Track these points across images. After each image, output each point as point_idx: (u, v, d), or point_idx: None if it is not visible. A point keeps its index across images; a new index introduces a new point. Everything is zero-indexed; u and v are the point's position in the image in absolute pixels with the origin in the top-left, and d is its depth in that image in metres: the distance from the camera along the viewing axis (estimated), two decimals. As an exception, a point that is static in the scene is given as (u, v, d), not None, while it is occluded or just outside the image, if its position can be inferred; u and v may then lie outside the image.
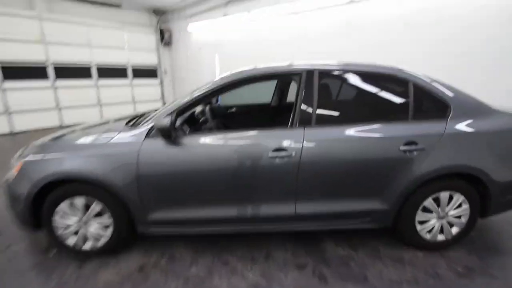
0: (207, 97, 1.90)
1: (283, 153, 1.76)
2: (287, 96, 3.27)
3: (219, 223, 1.94)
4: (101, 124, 2.49)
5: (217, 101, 3.67)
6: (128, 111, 8.61)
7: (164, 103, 9.68)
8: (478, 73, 4.28)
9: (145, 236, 2.02)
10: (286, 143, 1.78)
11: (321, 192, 1.88)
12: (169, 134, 1.67)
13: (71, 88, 7.44)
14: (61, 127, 7.30)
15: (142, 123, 1.89)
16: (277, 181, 1.83)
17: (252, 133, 1.84)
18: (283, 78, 2.02)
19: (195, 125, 2.40)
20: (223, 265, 1.92)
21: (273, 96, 3.28)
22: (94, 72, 7.78)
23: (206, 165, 1.80)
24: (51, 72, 7.01)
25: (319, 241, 2.17)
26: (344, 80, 1.94)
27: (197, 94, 1.88)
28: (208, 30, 8.12)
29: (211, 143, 1.82)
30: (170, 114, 1.81)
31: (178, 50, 9.29)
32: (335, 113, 1.94)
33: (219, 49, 8.13)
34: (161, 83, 9.65)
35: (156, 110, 2.27)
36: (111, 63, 8.10)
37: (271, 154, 1.77)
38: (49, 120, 7.19)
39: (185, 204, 1.89)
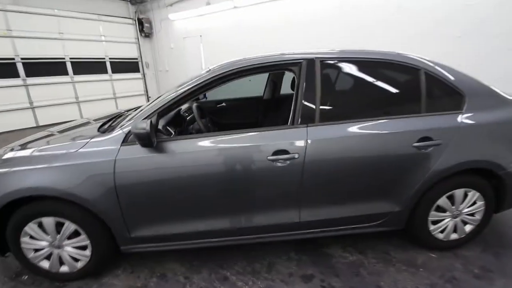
0: (194, 94, 1.64)
1: (284, 156, 1.54)
2: (280, 89, 3.04)
3: (214, 235, 1.72)
4: (78, 125, 2.20)
5: (204, 96, 3.39)
6: (110, 107, 8.16)
7: (148, 98, 9.23)
8: (474, 56, 4.16)
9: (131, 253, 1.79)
10: (287, 144, 1.56)
11: (328, 196, 1.69)
12: (148, 140, 1.41)
13: (45, 85, 6.90)
14: (36, 127, 6.81)
15: (118, 126, 1.62)
16: (278, 187, 1.62)
17: (247, 133, 1.61)
18: (279, 69, 1.77)
19: (181, 125, 2.14)
20: (221, 283, 1.72)
21: (265, 89, 3.04)
22: (69, 67, 7.23)
23: (196, 172, 1.56)
24: (21, 68, 6.46)
25: (324, 247, 1.99)
26: (350, 70, 1.72)
27: (181, 90, 1.62)
28: (191, 19, 7.68)
29: (200, 147, 1.57)
30: (150, 115, 1.55)
31: (159, 42, 8.79)
32: (341, 108, 1.72)
33: (203, 39, 7.73)
34: (144, 77, 9.17)
35: (136, 109, 2.00)
36: (87, 56, 7.55)
37: (270, 157, 1.54)
38: (24, 120, 6.67)
39: (174, 217, 1.65)
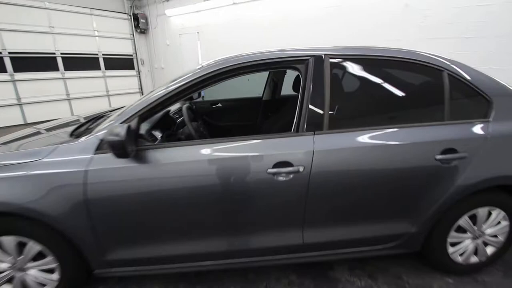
0: (182, 94, 1.41)
1: (287, 169, 1.32)
2: (281, 89, 2.82)
3: (205, 258, 1.49)
4: (69, 123, 1.95)
5: (199, 95, 3.15)
6: (102, 105, 7.88)
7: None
8: (477, 60, 3.96)
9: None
10: (290, 155, 1.33)
11: (336, 216, 1.47)
12: (123, 149, 1.17)
13: (34, 81, 6.61)
14: (24, 125, 6.51)
15: (92, 131, 1.38)
16: (280, 204, 1.40)
17: (244, 142, 1.38)
18: (282, 67, 1.54)
19: (170, 128, 1.90)
20: (211, 312, 1.49)
21: (264, 89, 2.82)
22: (60, 62, 6.94)
23: (183, 186, 1.33)
24: (8, 63, 6.16)
25: (330, 269, 1.77)
26: (364, 70, 1.50)
27: (168, 90, 1.39)
28: (188, 16, 7.43)
29: (189, 156, 1.34)
30: (129, 119, 1.31)
31: (155, 38, 8.51)
32: (354, 114, 1.50)
33: (201, 36, 7.48)
34: (138, 74, 8.89)
35: (121, 109, 1.76)
36: (79, 52, 7.25)
37: (271, 170, 1.32)
38: (11, 117, 6.37)
39: (158, 237, 1.42)
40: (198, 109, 2.82)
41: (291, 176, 1.33)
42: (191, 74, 1.43)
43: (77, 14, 7.17)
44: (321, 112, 1.38)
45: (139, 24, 8.21)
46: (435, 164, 1.40)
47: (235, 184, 1.33)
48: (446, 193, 1.44)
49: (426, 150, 1.39)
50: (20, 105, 6.50)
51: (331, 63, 1.43)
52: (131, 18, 8.26)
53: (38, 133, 1.80)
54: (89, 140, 1.33)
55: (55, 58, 6.87)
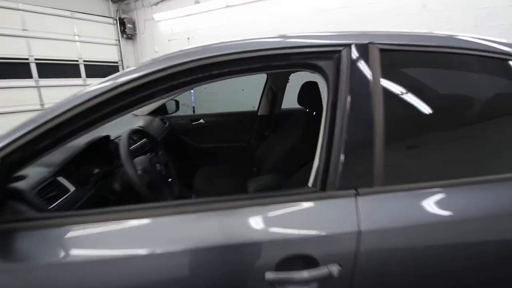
0: (99, 113, 0.74)
1: (306, 273, 0.63)
2: (282, 101, 2.17)
3: None
4: None
5: (177, 107, 2.43)
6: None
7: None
8: None
9: None
10: (311, 242, 0.65)
11: None
12: None
13: (3, 89, 5.91)
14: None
15: None
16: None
17: (213, 211, 0.69)
18: (290, 66, 0.85)
19: (112, 161, 1.21)
20: None
21: (260, 101, 2.16)
22: (33, 68, 6.25)
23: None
24: (-28, 68, 5.48)
25: None
26: (446, 73, 0.84)
27: (74, 103, 0.72)
28: (178, 20, 6.86)
29: (106, 246, 0.65)
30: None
31: (143, 44, 7.92)
32: (433, 154, 0.82)
33: (191, 42, 6.89)
34: (125, 83, 8.23)
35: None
36: (56, 58, 6.59)
37: (271, 275, 0.63)
38: (-25, 129, 5.64)
39: None
40: (173, 127, 2.15)
41: (313, 285, 0.64)
42: (129, 71, 0.77)
43: (56, 17, 6.55)
44: (369, 149, 0.71)
45: (126, 29, 7.62)
46: None
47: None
48: None
49: None
50: (-15, 115, 5.78)
51: (383, 58, 0.76)
52: (117, 22, 7.67)
53: None
54: None
55: (28, 64, 6.19)
